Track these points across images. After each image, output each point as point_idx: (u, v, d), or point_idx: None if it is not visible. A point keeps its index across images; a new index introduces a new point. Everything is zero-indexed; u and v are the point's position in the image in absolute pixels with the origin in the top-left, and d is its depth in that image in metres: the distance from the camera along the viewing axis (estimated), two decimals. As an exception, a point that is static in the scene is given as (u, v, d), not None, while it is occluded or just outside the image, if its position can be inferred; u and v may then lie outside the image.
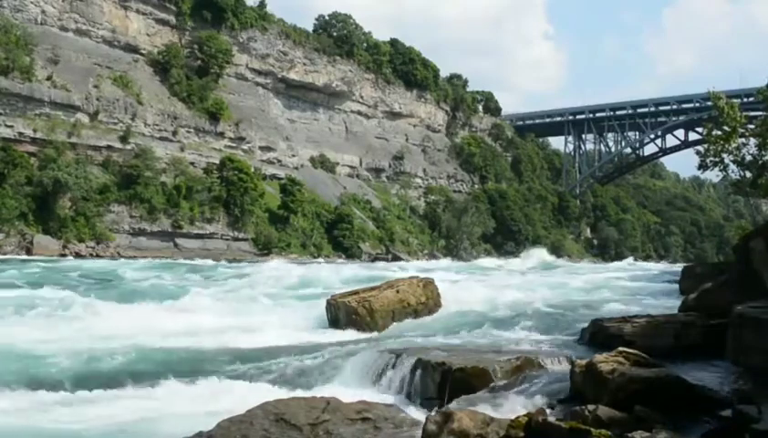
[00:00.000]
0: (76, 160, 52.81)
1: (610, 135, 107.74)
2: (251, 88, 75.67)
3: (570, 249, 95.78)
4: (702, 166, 26.22)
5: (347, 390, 8.44)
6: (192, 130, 65.41)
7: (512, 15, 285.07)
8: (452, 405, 6.86)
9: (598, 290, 21.98)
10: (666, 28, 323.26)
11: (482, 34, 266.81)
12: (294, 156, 77.88)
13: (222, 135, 68.32)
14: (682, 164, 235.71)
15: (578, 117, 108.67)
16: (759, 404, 5.72)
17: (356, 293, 14.99)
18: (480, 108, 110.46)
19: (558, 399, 7.04)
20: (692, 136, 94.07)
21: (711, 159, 25.36)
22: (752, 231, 11.96)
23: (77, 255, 46.63)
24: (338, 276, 26.68)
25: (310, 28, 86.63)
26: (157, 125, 61.94)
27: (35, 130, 51.79)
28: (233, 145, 69.33)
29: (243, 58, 74.43)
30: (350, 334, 13.41)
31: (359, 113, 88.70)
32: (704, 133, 31.05)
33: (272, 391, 8.55)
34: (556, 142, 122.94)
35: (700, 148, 29.57)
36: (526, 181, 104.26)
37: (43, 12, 58.04)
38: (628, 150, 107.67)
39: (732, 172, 25.73)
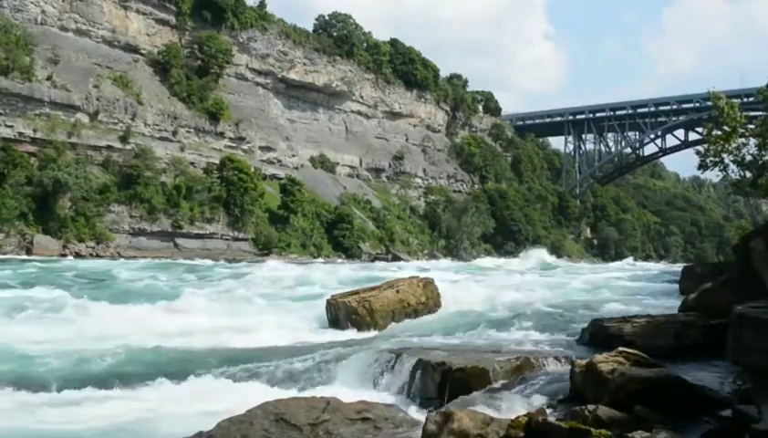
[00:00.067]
0: (76, 160, 52.83)
1: (610, 135, 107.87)
2: (251, 88, 75.69)
3: (570, 249, 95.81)
4: (702, 166, 26.23)
5: (347, 390, 8.42)
6: (191, 130, 65.43)
7: (512, 15, 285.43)
8: (452, 405, 6.86)
9: (598, 290, 21.96)
10: (666, 28, 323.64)
11: (482, 34, 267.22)
12: (294, 156, 77.89)
13: (222, 135, 68.34)
14: (682, 164, 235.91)
15: (578, 117, 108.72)
16: (759, 404, 5.72)
17: (356, 293, 14.98)
18: (480, 108, 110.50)
19: (558, 399, 7.04)
20: (692, 136, 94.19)
21: (711, 159, 25.37)
22: (752, 231, 11.95)
23: (78, 255, 46.61)
24: (335, 276, 26.57)
25: (310, 28, 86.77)
26: (157, 125, 61.95)
27: (35, 130, 51.80)
28: (233, 145, 69.35)
29: (243, 58, 74.46)
30: (350, 334, 13.39)
31: (359, 113, 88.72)
32: (704, 133, 31.06)
33: (272, 392, 8.53)
34: (556, 142, 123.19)
35: (700, 148, 29.58)
36: (526, 181, 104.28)
37: (43, 12, 58.05)
38: (628, 150, 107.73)
39: (732, 172, 25.77)
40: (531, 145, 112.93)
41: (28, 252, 45.16)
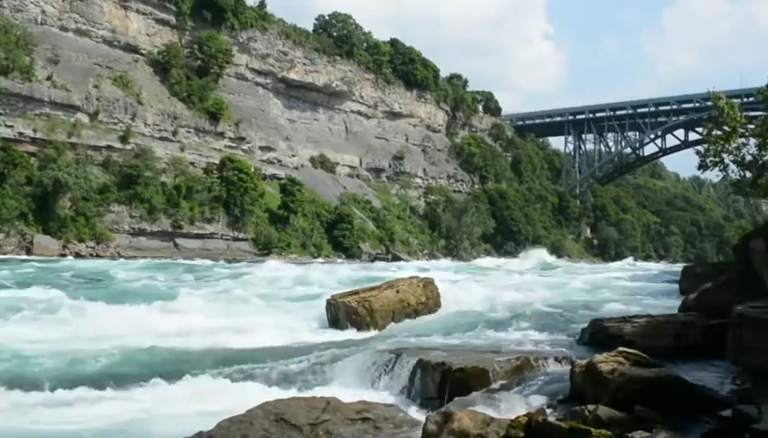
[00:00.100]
0: (76, 160, 52.85)
1: (610, 135, 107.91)
2: (251, 88, 75.71)
3: (570, 249, 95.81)
4: (702, 166, 26.22)
5: (347, 390, 8.42)
6: (192, 130, 65.45)
7: (512, 15, 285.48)
8: (452, 405, 6.86)
9: (598, 290, 21.95)
10: (666, 28, 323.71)
11: (482, 34, 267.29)
12: (294, 156, 77.91)
13: (222, 135, 68.36)
14: (682, 164, 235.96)
15: (578, 117, 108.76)
16: (759, 404, 5.72)
17: (356, 293, 14.98)
18: (480, 108, 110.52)
19: (558, 399, 7.04)
20: (692, 136, 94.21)
21: (711, 159, 25.36)
22: (752, 231, 11.95)
23: (78, 255, 46.61)
24: (334, 276, 26.52)
25: (310, 28, 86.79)
26: (157, 125, 61.97)
27: (35, 130, 51.82)
28: (233, 145, 69.37)
29: (244, 58, 74.47)
30: (350, 334, 13.38)
31: (359, 113, 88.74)
32: (704, 133, 31.05)
33: (271, 392, 8.52)
34: (556, 142, 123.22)
35: (700, 148, 29.57)
36: (526, 181, 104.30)
37: (43, 12, 58.06)
38: (628, 150, 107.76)
39: (732, 172, 25.76)
40: (531, 145, 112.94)
41: (28, 252, 45.16)
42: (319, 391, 7.93)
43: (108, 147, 56.79)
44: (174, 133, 63.42)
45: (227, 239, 61.95)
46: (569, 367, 7.54)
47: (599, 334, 10.04)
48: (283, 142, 76.98)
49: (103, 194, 53.74)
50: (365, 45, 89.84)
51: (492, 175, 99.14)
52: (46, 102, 53.41)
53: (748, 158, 24.53)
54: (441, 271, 29.62)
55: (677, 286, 19.47)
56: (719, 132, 25.16)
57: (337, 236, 69.60)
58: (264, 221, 65.61)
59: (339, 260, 62.75)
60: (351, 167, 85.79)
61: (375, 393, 8.41)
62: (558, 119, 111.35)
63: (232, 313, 16.15)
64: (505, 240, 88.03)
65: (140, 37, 66.09)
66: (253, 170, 66.05)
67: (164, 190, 58.51)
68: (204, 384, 9.19)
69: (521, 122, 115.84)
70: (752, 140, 24.69)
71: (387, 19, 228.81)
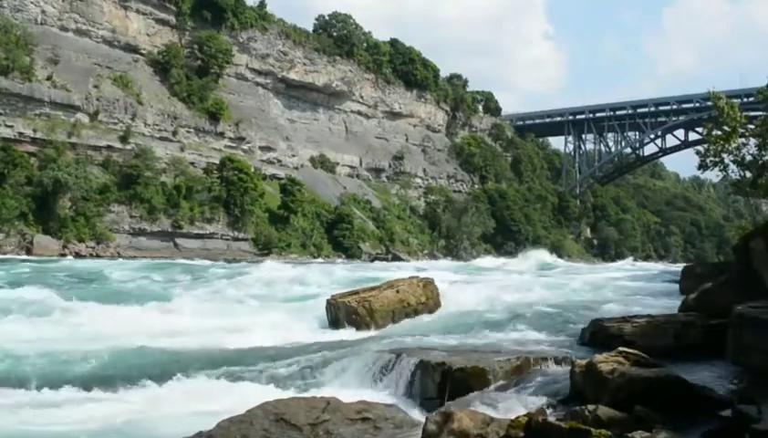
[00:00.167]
0: (76, 160, 52.86)
1: (610, 135, 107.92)
2: (251, 88, 75.72)
3: (570, 249, 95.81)
4: (702, 166, 26.17)
5: (347, 390, 8.42)
6: (192, 130, 65.46)
7: (512, 15, 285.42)
8: (452, 405, 6.86)
9: (598, 290, 21.91)
10: (666, 28, 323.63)
11: (482, 34, 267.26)
12: (294, 156, 77.91)
13: (222, 135, 68.37)
14: (682, 164, 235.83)
15: (578, 117, 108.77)
16: (759, 404, 5.72)
17: (356, 293, 14.98)
18: (480, 108, 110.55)
19: (558, 399, 7.05)
20: (692, 136, 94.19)
21: (711, 159, 25.31)
22: (752, 231, 11.94)
23: (78, 255, 46.61)
24: (331, 277, 26.45)
25: (310, 28, 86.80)
26: (157, 125, 61.97)
27: (35, 130, 51.83)
28: (233, 145, 69.38)
29: (244, 58, 74.48)
30: (350, 334, 13.38)
31: (359, 113, 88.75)
32: (704, 133, 31.03)
33: (271, 392, 8.52)
34: (556, 142, 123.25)
35: (700, 148, 29.52)
36: (526, 181, 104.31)
37: (43, 12, 58.06)
38: (628, 150, 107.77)
39: (732, 172, 25.69)
40: (531, 145, 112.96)
41: (28, 252, 45.17)
42: (319, 391, 7.93)
43: (108, 147, 56.80)
44: (174, 133, 63.42)
45: (227, 239, 61.96)
46: (569, 367, 7.55)
47: (599, 334, 10.04)
48: (283, 142, 76.99)
49: (103, 194, 53.76)
50: (365, 45, 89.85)
51: (492, 175, 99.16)
52: (46, 102, 53.41)
53: (748, 158, 24.49)
54: (440, 271, 29.52)
55: (677, 286, 19.45)
56: (719, 132, 25.12)
57: (337, 236, 69.61)
58: (264, 221, 65.62)
59: (339, 260, 62.73)
60: (351, 167, 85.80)
61: (375, 393, 8.40)
62: (558, 119, 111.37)
63: (229, 313, 16.11)
64: (505, 240, 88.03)
65: (140, 37, 66.09)
66: (253, 170, 66.07)
67: (164, 190, 58.52)
68: (202, 385, 9.13)
69: (521, 122, 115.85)
70: (752, 140, 24.66)
71: (387, 19, 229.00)
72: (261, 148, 73.29)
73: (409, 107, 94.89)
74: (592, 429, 5.14)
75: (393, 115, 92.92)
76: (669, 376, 6.46)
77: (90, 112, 56.81)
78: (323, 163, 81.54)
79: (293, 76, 79.88)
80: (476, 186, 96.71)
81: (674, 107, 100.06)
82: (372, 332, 13.53)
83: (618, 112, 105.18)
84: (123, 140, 57.71)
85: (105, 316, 14.93)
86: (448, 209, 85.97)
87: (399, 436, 6.15)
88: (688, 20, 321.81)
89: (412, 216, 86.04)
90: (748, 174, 25.01)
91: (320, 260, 59.98)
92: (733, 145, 24.30)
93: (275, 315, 15.76)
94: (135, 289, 21.33)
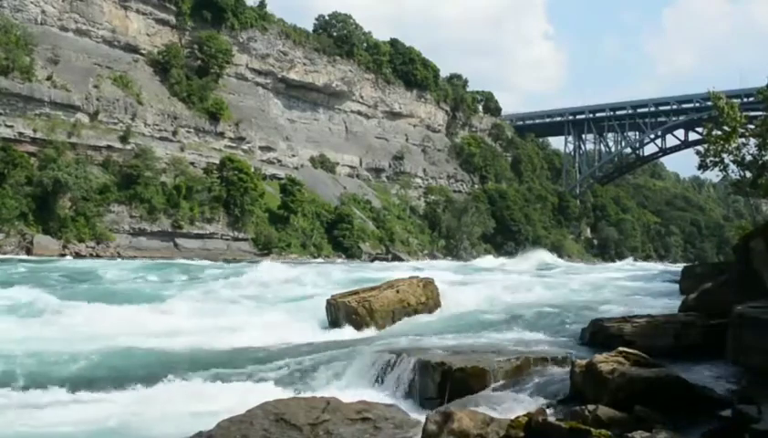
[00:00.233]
0: (76, 160, 52.84)
1: (610, 135, 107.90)
2: (251, 88, 75.70)
3: (570, 249, 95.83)
4: (702, 166, 26.16)
5: (347, 390, 8.43)
6: (192, 130, 65.44)
7: (512, 15, 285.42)
8: (452, 405, 6.86)
9: (598, 290, 21.94)
10: (666, 28, 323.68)
11: (482, 34, 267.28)
12: (294, 156, 77.91)
13: (222, 135, 68.35)
14: (682, 164, 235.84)
15: (578, 117, 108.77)
16: (759, 404, 5.72)
17: (356, 293, 14.98)
18: (480, 108, 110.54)
19: (558, 399, 7.05)
20: (692, 136, 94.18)
21: (711, 159, 25.30)
22: (752, 231, 11.94)
23: (78, 255, 46.60)
24: (329, 277, 26.43)
25: (310, 28, 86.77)
26: (157, 125, 61.96)
27: (35, 130, 51.80)
28: (233, 145, 69.36)
29: (244, 58, 74.46)
30: (350, 334, 13.37)
31: (359, 113, 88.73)
32: (704, 133, 31.01)
33: (271, 391, 8.51)
34: (556, 142, 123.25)
35: (700, 148, 29.51)
36: (526, 181, 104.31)
37: (43, 12, 58.05)
38: (628, 150, 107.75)
39: (732, 172, 25.68)
40: (531, 145, 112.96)
41: (28, 252, 45.16)
42: (319, 391, 7.93)
43: (108, 147, 56.78)
44: (174, 133, 63.41)
45: (227, 239, 61.95)
46: (569, 367, 7.55)
47: (599, 334, 10.04)
48: (283, 142, 76.98)
49: (103, 194, 53.74)
50: (365, 45, 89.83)
51: (492, 175, 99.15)
52: (46, 102, 53.39)
53: (748, 158, 24.47)
54: (440, 271, 29.52)
55: (677, 286, 19.46)
56: (719, 132, 25.11)
57: (337, 236, 69.60)
58: (264, 221, 65.61)
59: (339, 260, 62.73)
60: (351, 167, 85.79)
61: (375, 393, 8.41)
62: (558, 119, 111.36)
63: (226, 313, 16.02)
64: (505, 240, 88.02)
65: (140, 37, 66.07)
66: (253, 170, 66.04)
67: (164, 190, 58.51)
68: (197, 385, 9.08)
69: (521, 122, 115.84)
70: (752, 140, 24.64)
71: (387, 19, 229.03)
72: (261, 148, 73.27)
73: (409, 107, 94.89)
74: (592, 429, 5.14)
75: (393, 115, 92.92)
76: (669, 376, 6.46)
77: (90, 112, 56.80)
78: (323, 163, 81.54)
79: (293, 76, 79.87)
80: (476, 186, 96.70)
81: (674, 107, 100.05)
82: (372, 332, 13.53)
83: (618, 112, 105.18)
84: (123, 140, 57.69)
85: (96, 316, 14.78)
86: (448, 209, 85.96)
87: (399, 436, 6.15)
88: (688, 20, 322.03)
89: (412, 216, 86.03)
90: (748, 174, 25.00)
91: (320, 260, 59.99)
92: (733, 145, 24.29)
93: (274, 315, 15.73)
94: (128, 290, 21.19)
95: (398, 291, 15.00)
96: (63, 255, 45.60)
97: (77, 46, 59.46)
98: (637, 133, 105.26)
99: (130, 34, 65.20)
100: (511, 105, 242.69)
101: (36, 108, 52.66)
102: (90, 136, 55.77)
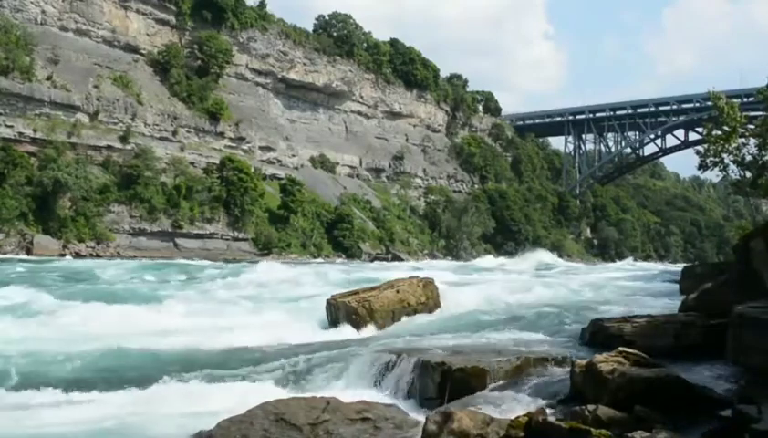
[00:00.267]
0: (76, 160, 52.84)
1: (610, 135, 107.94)
2: (251, 88, 75.70)
3: (570, 249, 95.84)
4: (702, 166, 26.15)
5: (347, 390, 8.42)
6: (192, 130, 65.45)
7: (512, 15, 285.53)
8: (452, 405, 6.85)
9: (598, 290, 21.95)
10: (666, 28, 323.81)
11: (482, 34, 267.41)
12: (294, 156, 77.90)
13: (222, 135, 68.36)
14: (682, 164, 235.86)
15: (578, 117, 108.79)
16: (759, 404, 5.71)
17: (356, 293, 14.96)
18: (480, 108, 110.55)
19: (558, 399, 7.04)
20: (692, 136, 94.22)
21: (711, 159, 25.29)
22: (752, 231, 11.93)
23: (78, 255, 46.61)
24: (327, 278, 26.39)
25: (310, 28, 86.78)
26: (157, 125, 61.96)
27: (35, 130, 51.81)
28: (233, 145, 69.36)
29: (244, 58, 74.47)
30: (350, 334, 13.35)
31: (359, 113, 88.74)
32: (704, 133, 31.00)
33: (271, 392, 8.49)
34: (556, 142, 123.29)
35: (700, 148, 29.49)
36: (526, 181, 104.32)
37: (43, 12, 58.05)
38: (628, 150, 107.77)
39: (732, 172, 25.66)
40: (531, 145, 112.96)
41: (28, 252, 45.16)
42: (319, 391, 7.92)
43: (108, 147, 56.78)
44: (174, 133, 63.41)
45: (227, 239, 61.94)
46: (569, 367, 7.54)
47: (599, 334, 10.03)
48: (283, 142, 76.97)
49: (103, 194, 53.74)
50: (365, 45, 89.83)
51: (492, 175, 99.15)
52: (46, 102, 53.40)
53: (748, 158, 24.46)
54: (439, 271, 29.50)
55: (677, 286, 19.45)
56: (719, 132, 25.09)
57: (337, 236, 69.59)
58: (264, 221, 65.60)
59: (339, 260, 62.73)
60: (351, 167, 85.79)
61: (375, 393, 8.40)
62: (558, 119, 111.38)
63: (224, 314, 15.95)
64: (505, 240, 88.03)
65: (140, 37, 66.08)
66: (253, 170, 66.05)
67: (164, 190, 58.51)
68: (195, 385, 9.01)
69: (521, 122, 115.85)
70: (752, 140, 24.63)
71: (387, 19, 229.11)
72: (261, 148, 73.27)
73: (409, 107, 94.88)
74: (592, 429, 5.14)
75: (393, 115, 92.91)
76: (669, 376, 6.45)
77: (90, 112, 56.80)
78: (323, 163, 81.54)
79: (293, 76, 79.87)
80: (476, 186, 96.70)
81: (674, 107, 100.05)
82: (372, 332, 13.51)
83: (618, 112, 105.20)
84: (123, 140, 57.69)
85: (92, 316, 14.68)
86: (448, 209, 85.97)
87: (399, 436, 6.15)
88: (688, 20, 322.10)
89: (412, 216, 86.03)
90: (748, 174, 24.99)
91: (320, 260, 59.99)
92: (733, 145, 24.28)
93: (273, 315, 15.69)
94: (125, 290, 21.08)
95: (398, 291, 14.99)
96: (63, 256, 45.59)
97: (77, 47, 59.46)
98: (637, 133, 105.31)
99: (130, 34, 65.21)
100: (511, 105, 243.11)
101: (36, 108, 52.66)
102: (90, 136, 55.78)
